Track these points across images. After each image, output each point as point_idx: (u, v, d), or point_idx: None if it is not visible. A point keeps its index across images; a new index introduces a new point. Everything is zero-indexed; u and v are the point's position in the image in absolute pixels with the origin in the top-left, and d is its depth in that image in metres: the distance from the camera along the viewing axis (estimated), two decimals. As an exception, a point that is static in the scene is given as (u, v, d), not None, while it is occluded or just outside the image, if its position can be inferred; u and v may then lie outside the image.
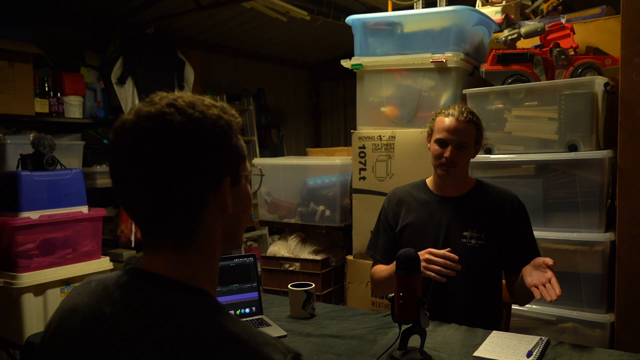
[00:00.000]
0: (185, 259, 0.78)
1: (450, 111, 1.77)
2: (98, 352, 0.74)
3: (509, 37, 2.50)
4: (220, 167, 0.78)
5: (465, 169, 1.83)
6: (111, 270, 2.88)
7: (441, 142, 1.76)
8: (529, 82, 2.34)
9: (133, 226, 3.69)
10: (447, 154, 1.74)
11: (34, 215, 2.55)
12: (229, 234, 0.83)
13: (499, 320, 1.88)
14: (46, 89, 3.45)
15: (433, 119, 1.82)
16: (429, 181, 1.91)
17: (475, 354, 1.45)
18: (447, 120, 1.75)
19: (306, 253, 3.27)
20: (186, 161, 0.74)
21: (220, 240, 0.82)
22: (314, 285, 1.88)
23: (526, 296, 1.70)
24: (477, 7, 2.87)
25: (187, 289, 0.76)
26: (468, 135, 1.75)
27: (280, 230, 3.75)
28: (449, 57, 2.52)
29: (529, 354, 1.43)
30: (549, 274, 1.54)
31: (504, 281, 1.89)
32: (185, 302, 0.74)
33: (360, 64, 2.75)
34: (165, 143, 0.73)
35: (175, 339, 0.70)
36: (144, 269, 0.78)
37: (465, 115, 1.75)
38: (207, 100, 0.80)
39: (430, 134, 1.84)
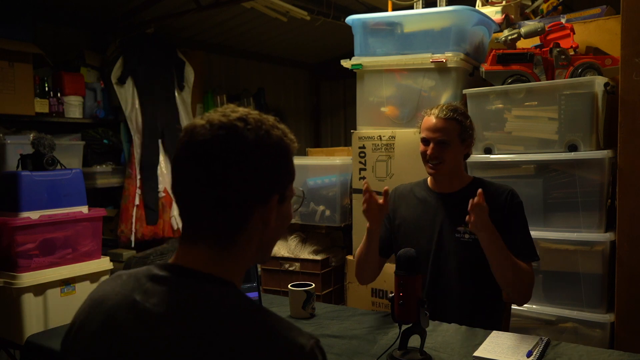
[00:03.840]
0: (220, 257, 0.84)
1: (433, 110, 1.83)
2: (127, 336, 0.78)
3: (509, 37, 2.50)
4: (273, 184, 0.85)
5: (456, 166, 1.84)
6: (111, 270, 2.88)
7: (424, 141, 1.82)
8: (529, 82, 2.34)
9: (133, 226, 3.68)
10: (429, 151, 1.79)
11: (34, 215, 2.55)
12: (264, 245, 0.90)
13: (498, 317, 1.88)
14: (46, 89, 3.45)
15: (420, 120, 1.88)
16: (429, 179, 1.95)
17: (475, 354, 1.45)
18: (429, 119, 1.81)
19: (306, 253, 3.27)
20: (245, 173, 0.81)
21: (255, 249, 0.88)
22: (314, 285, 1.88)
23: (504, 278, 1.70)
24: (477, 7, 2.87)
25: (217, 280, 0.81)
26: (449, 132, 1.78)
27: (280, 230, 3.74)
28: (449, 57, 2.52)
29: (529, 354, 1.43)
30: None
31: None
32: (215, 290, 0.80)
33: (360, 64, 2.75)
34: (231, 153, 0.80)
35: (206, 322, 0.75)
36: (176, 264, 0.84)
37: (445, 112, 1.79)
38: (272, 119, 0.88)
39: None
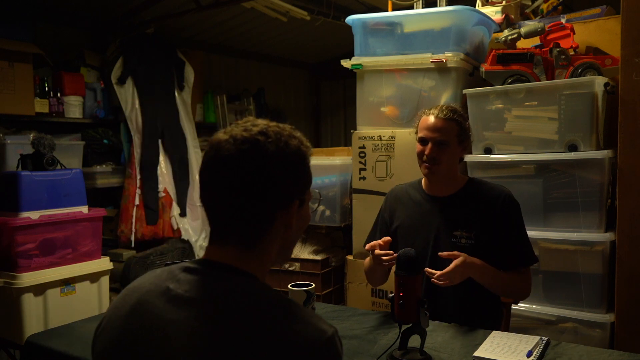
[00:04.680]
0: (246, 257, 0.91)
1: (432, 110, 1.81)
2: (158, 316, 0.84)
3: (509, 37, 2.50)
4: (293, 191, 0.92)
5: (451, 168, 1.82)
6: (111, 270, 2.88)
7: (422, 140, 1.80)
8: (529, 82, 2.34)
9: (133, 226, 3.68)
10: (427, 151, 1.76)
11: (34, 215, 2.55)
12: (286, 246, 0.97)
13: (499, 317, 1.88)
14: (46, 89, 3.45)
15: (418, 120, 1.85)
16: (424, 181, 1.92)
17: (475, 354, 1.45)
18: (428, 119, 1.79)
19: (306, 253, 3.27)
20: (268, 183, 0.88)
21: (278, 249, 0.95)
22: (314, 285, 1.87)
23: (503, 294, 1.78)
24: (477, 7, 2.88)
25: (246, 274, 0.89)
26: (448, 133, 1.76)
27: (280, 230, 3.74)
28: (449, 57, 2.52)
29: (529, 354, 1.43)
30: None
31: None
32: (242, 280, 0.87)
33: (360, 64, 2.75)
34: (254, 165, 0.87)
35: (235, 307, 0.82)
36: (208, 259, 0.91)
37: (445, 113, 1.77)
38: (288, 129, 0.95)
39: (416, 135, 1.86)
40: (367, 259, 1.89)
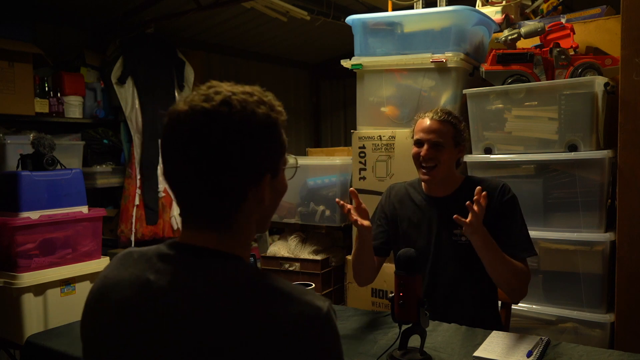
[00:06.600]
0: (223, 237, 0.84)
1: (427, 113, 1.82)
2: (144, 316, 0.79)
3: (509, 37, 2.50)
4: (263, 164, 0.83)
5: (448, 170, 1.81)
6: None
7: (418, 142, 1.81)
8: (529, 82, 2.34)
9: (133, 226, 3.69)
10: (423, 152, 1.77)
11: (34, 215, 2.55)
12: (262, 219, 0.91)
13: (499, 317, 1.88)
14: (46, 89, 3.45)
15: (414, 123, 1.86)
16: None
17: (475, 354, 1.45)
18: (423, 122, 1.81)
19: (306, 253, 3.27)
20: (234, 159, 0.79)
21: (254, 224, 0.89)
22: (314, 285, 1.88)
23: (500, 279, 1.69)
24: (477, 7, 2.87)
25: (228, 256, 0.83)
26: (443, 135, 1.77)
27: (280, 230, 3.75)
28: (449, 57, 2.52)
29: (529, 354, 1.43)
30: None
31: None
32: (229, 265, 0.81)
33: (360, 64, 2.75)
34: (216, 140, 0.78)
35: (225, 295, 0.76)
36: (184, 242, 0.84)
37: (440, 115, 1.79)
38: (256, 94, 0.84)
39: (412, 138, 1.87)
40: (353, 251, 1.87)
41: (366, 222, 1.68)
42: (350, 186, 2.94)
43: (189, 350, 0.75)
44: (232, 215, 0.84)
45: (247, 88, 0.85)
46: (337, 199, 1.71)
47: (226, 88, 0.83)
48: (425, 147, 1.77)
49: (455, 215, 1.58)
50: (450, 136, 1.78)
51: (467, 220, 1.57)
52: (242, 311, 0.75)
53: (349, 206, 1.67)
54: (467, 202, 1.57)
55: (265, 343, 0.73)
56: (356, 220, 1.66)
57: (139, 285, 0.81)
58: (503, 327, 1.88)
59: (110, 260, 0.93)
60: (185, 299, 0.77)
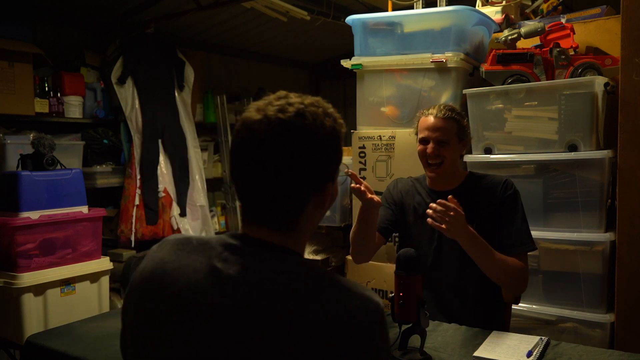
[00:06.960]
0: (284, 235, 0.89)
1: (430, 110, 1.84)
2: (212, 302, 0.81)
3: (509, 37, 2.50)
4: (327, 173, 0.90)
5: (454, 165, 1.85)
6: (111, 270, 2.88)
7: (423, 140, 1.83)
8: (529, 82, 2.34)
9: (133, 226, 3.68)
10: (429, 149, 1.79)
11: (34, 215, 2.55)
12: (317, 222, 0.97)
13: (498, 317, 1.88)
14: (46, 89, 3.45)
15: (417, 121, 1.88)
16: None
17: (475, 354, 1.45)
18: (427, 119, 1.82)
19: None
20: (303, 167, 0.85)
21: (312, 226, 0.95)
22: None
23: (492, 277, 1.71)
24: (477, 7, 2.87)
25: (292, 252, 0.89)
26: (448, 132, 1.79)
27: (280, 230, 3.75)
28: (449, 57, 2.52)
29: (529, 354, 1.43)
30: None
31: None
32: (295, 260, 0.87)
33: (360, 64, 2.75)
34: (289, 149, 0.84)
35: (293, 287, 0.81)
36: (249, 235, 0.88)
37: (444, 112, 1.80)
38: (321, 106, 0.91)
39: (417, 136, 1.88)
40: (354, 226, 1.86)
41: (376, 197, 1.68)
42: (350, 185, 2.94)
43: (257, 336, 0.78)
44: (296, 218, 0.89)
45: (312, 99, 0.92)
46: (346, 169, 1.68)
47: (296, 100, 0.89)
48: (431, 145, 1.80)
49: (429, 221, 1.62)
50: (454, 132, 1.81)
51: (444, 226, 1.59)
52: (310, 302, 0.79)
53: (362, 182, 1.67)
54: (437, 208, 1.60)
55: (330, 332, 0.77)
56: (365, 193, 1.66)
57: (206, 272, 0.84)
58: (503, 327, 1.88)
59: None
60: (255, 288, 0.81)
